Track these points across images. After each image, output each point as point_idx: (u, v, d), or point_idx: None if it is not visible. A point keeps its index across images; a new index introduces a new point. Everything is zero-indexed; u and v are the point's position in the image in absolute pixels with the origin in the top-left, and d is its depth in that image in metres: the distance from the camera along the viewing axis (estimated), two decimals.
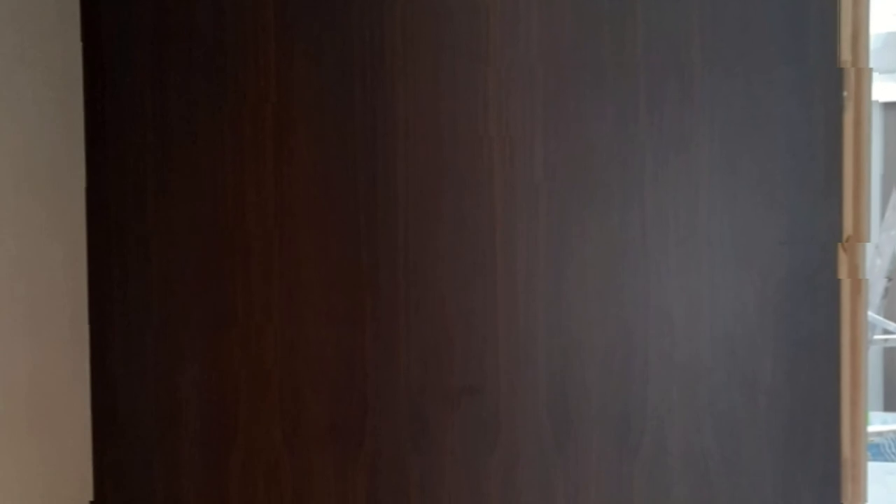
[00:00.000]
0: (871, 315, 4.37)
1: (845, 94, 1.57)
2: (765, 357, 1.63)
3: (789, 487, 1.64)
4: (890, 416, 5.03)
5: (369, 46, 1.75)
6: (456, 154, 1.72)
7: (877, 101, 6.00)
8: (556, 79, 1.69)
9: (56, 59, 1.82)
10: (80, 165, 1.86)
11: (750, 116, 1.62)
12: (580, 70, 1.68)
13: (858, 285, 1.58)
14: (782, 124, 1.61)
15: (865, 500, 1.58)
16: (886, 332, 4.53)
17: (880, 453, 4.40)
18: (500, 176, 1.70)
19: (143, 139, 1.85)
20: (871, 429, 4.33)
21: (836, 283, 1.59)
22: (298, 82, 1.78)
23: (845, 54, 1.58)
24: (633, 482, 1.68)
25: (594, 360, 1.69)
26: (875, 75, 1.81)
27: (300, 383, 1.77)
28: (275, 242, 1.78)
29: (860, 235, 1.58)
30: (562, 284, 1.69)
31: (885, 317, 4.55)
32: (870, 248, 2.66)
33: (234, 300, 1.81)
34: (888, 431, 4.39)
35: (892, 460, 4.38)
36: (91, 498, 1.88)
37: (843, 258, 1.59)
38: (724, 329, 1.64)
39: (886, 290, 4.52)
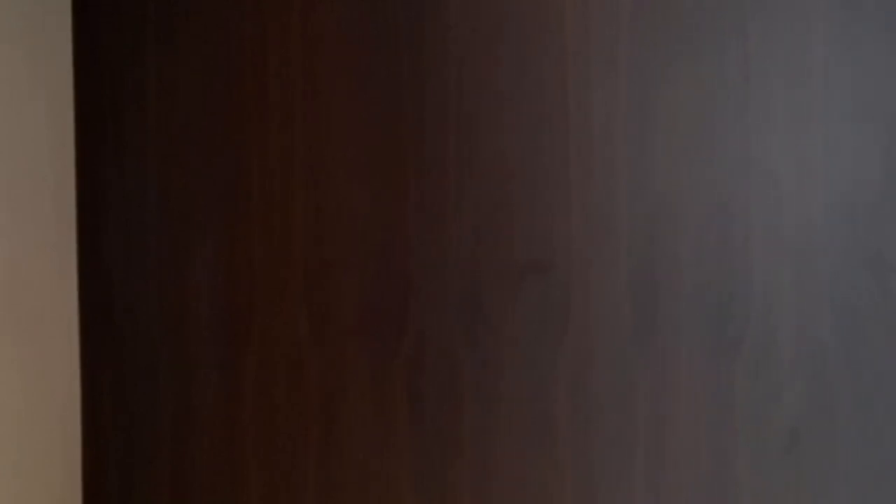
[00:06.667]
0: None
1: None
2: (894, 231, 1.47)
3: None
4: None
5: None
6: None
7: None
8: None
9: None
10: (65, 7, 1.75)
11: None
12: None
13: None
14: None
15: None
16: None
17: None
18: (573, 6, 1.56)
19: None
20: None
21: None
22: None
23: None
24: (734, 383, 1.51)
25: (686, 231, 1.54)
26: None
27: (328, 260, 1.66)
28: (298, 85, 1.67)
29: None
30: (646, 139, 1.54)
31: None
32: None
33: (249, 159, 1.70)
34: None
35: None
36: (80, 409, 1.79)
37: None
38: (843, 196, 1.49)
39: None
